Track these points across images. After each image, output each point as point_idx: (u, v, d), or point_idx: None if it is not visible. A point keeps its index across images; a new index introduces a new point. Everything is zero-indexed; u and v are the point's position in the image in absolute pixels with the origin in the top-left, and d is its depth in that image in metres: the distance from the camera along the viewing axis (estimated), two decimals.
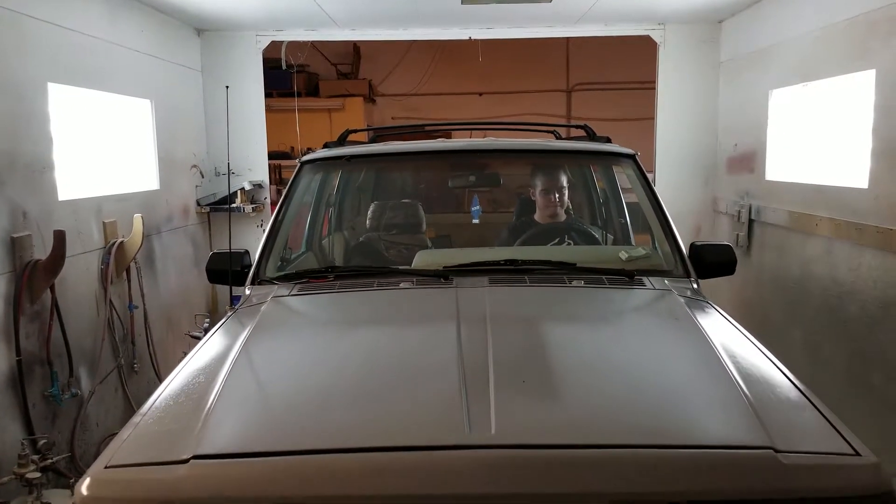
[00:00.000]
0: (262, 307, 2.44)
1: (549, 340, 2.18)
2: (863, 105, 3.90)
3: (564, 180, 3.42)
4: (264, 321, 2.32)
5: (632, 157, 3.24)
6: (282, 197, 3.17)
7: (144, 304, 4.69)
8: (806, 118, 4.70)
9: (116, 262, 4.33)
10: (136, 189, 4.83)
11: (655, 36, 5.97)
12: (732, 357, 1.90)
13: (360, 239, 3.53)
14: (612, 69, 13.46)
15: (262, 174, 6.17)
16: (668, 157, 6.08)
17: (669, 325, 2.29)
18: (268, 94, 6.33)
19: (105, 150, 4.65)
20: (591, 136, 3.53)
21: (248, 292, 2.77)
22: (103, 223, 4.29)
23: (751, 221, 5.27)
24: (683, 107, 6.01)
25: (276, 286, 2.71)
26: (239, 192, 5.93)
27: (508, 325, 2.19)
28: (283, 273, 2.88)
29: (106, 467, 1.50)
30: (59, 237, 3.52)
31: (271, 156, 6.59)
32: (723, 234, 5.89)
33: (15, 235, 3.43)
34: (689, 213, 6.11)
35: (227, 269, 2.82)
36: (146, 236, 4.62)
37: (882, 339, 3.69)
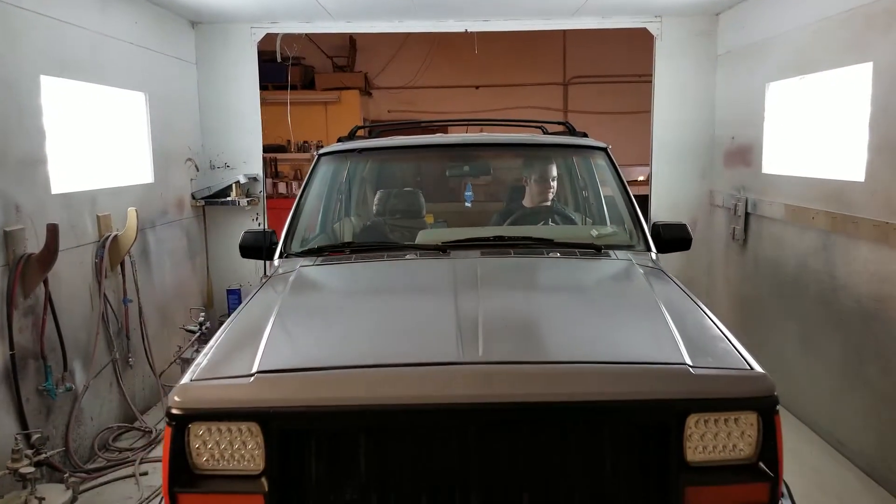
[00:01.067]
0: (292, 275, 2.90)
1: (526, 294, 2.71)
2: (860, 98, 3.89)
3: (549, 172, 3.82)
4: (296, 283, 2.81)
5: (604, 149, 3.73)
6: (302, 184, 3.60)
7: (139, 298, 4.67)
8: (803, 111, 4.69)
9: (111, 255, 4.31)
10: (130, 182, 4.80)
11: (652, 28, 5.95)
12: (670, 307, 2.40)
13: (368, 223, 3.91)
14: (608, 62, 13.44)
15: (256, 167, 6.15)
16: (664, 150, 6.07)
17: (624, 284, 2.87)
18: (263, 87, 6.30)
19: (99, 143, 4.62)
20: (571, 131, 4.02)
21: (276, 264, 3.21)
22: (97, 217, 4.27)
23: (747, 215, 5.27)
24: (680, 100, 6.00)
25: (300, 259, 3.15)
26: (234, 185, 5.90)
27: (495, 283, 2.67)
28: (305, 248, 3.29)
29: (191, 380, 2.00)
30: (53, 231, 3.50)
31: (266, 149, 6.56)
32: (719, 228, 5.89)
33: (8, 229, 3.41)
34: (685, 207, 6.10)
35: (257, 246, 3.31)
36: (140, 230, 4.60)
37: (877, 333, 3.70)
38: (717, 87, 5.92)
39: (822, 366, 4.26)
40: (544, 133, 4.49)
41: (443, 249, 3.07)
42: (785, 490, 2.13)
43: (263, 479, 1.91)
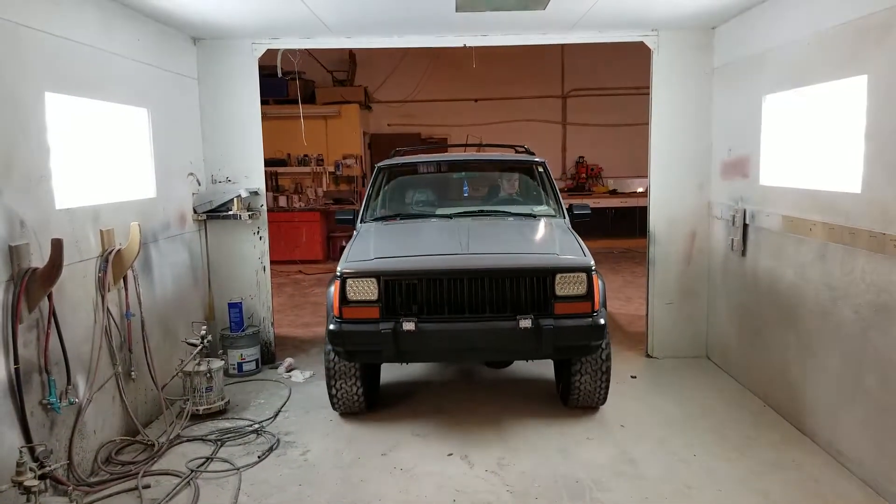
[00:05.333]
0: (372, 228, 5.53)
1: (492, 232, 5.27)
2: (855, 110, 3.93)
3: (512, 177, 6.66)
4: (377, 229, 5.46)
5: (542, 163, 6.31)
6: (369, 183, 6.24)
7: (141, 312, 4.69)
8: (799, 123, 4.74)
9: (114, 269, 4.34)
10: (133, 197, 4.84)
11: (649, 42, 6.01)
12: (561, 238, 4.98)
13: (406, 206, 6.24)
14: (607, 75, 13.55)
15: (258, 181, 6.19)
16: (662, 162, 6.11)
17: (541, 229, 5.37)
18: (264, 102, 6.34)
19: (102, 158, 4.66)
20: (527, 151, 6.86)
21: (360, 226, 5.73)
22: (100, 231, 4.30)
23: (745, 226, 5.30)
24: (677, 112, 6.05)
25: (373, 223, 5.74)
26: (235, 199, 5.93)
27: (477, 228, 5.24)
28: (374, 218, 5.87)
29: (346, 261, 4.61)
30: (57, 245, 3.53)
31: (267, 163, 6.61)
32: (718, 239, 5.92)
33: (12, 244, 3.45)
34: (684, 218, 6.14)
35: (347, 218, 6.02)
36: (143, 244, 4.63)
37: (876, 342, 3.72)
38: (713, 100, 5.97)
39: (821, 376, 4.28)
40: (516, 152, 7.00)
41: (450, 217, 5.70)
42: (602, 310, 4.56)
43: (378, 302, 4.48)
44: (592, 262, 4.51)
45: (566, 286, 4.46)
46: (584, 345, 4.52)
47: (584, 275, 4.46)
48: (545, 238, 5.14)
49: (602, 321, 4.47)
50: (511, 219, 5.65)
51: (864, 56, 3.82)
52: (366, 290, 4.47)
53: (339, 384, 4.85)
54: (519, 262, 4.53)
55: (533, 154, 6.66)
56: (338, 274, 4.50)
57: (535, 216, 5.69)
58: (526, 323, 4.35)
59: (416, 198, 6.36)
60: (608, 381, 4.86)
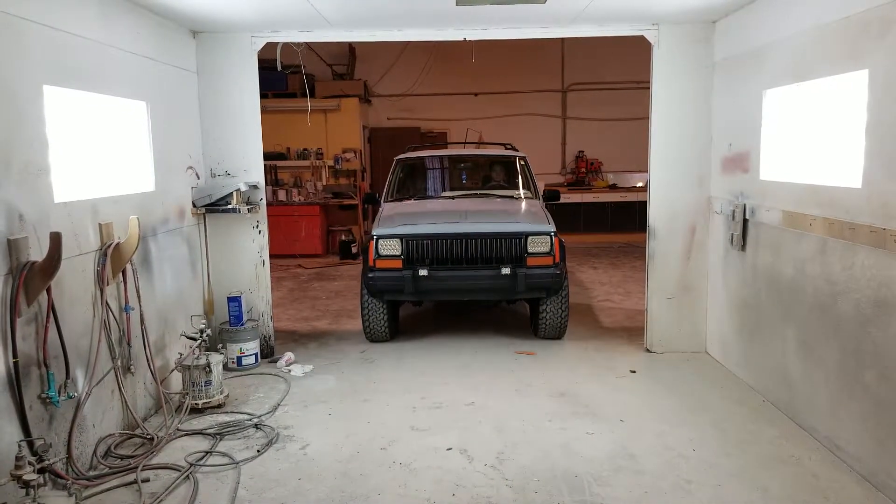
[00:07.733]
0: (395, 203, 7.57)
1: (484, 207, 7.15)
2: (856, 105, 3.92)
3: (501, 167, 8.34)
4: (399, 205, 7.45)
5: (524, 157, 8.21)
6: (389, 173, 8.06)
7: (140, 306, 4.69)
8: (800, 118, 4.73)
9: (112, 263, 4.33)
10: (131, 191, 4.83)
11: (650, 36, 5.99)
12: (535, 211, 6.99)
13: (418, 188, 8.18)
14: (607, 69, 13.53)
15: (257, 175, 6.18)
16: (662, 156, 6.10)
17: (521, 206, 7.30)
18: (263, 95, 6.33)
19: (101, 152, 4.65)
20: (512, 148, 8.75)
21: (383, 204, 7.63)
22: (99, 225, 4.29)
23: (745, 221, 5.29)
24: (678, 107, 6.04)
25: (397, 202, 7.62)
26: (234, 193, 5.92)
27: (473, 205, 7.23)
28: (395, 198, 7.78)
29: (377, 228, 6.57)
30: (55, 239, 3.52)
31: (267, 157, 6.60)
32: (718, 234, 5.91)
33: (11, 238, 3.44)
34: (684, 213, 6.13)
35: (373, 199, 7.94)
36: (142, 238, 4.62)
37: (875, 338, 3.72)
38: (714, 94, 5.96)
39: (821, 371, 4.28)
40: (505, 149, 8.79)
41: (452, 198, 7.60)
42: (562, 263, 6.40)
43: (401, 256, 6.34)
44: (554, 229, 6.41)
45: (535, 245, 6.31)
46: (548, 287, 6.33)
47: (548, 237, 6.33)
48: (522, 212, 7.02)
49: (559, 271, 6.31)
50: (498, 199, 7.63)
51: (865, 51, 3.81)
52: (392, 247, 6.34)
53: (371, 319, 6.64)
54: (503, 228, 6.38)
55: (517, 150, 8.65)
56: (372, 236, 6.41)
57: (516, 197, 7.72)
58: (506, 270, 6.23)
59: (426, 183, 8.38)
60: (567, 317, 6.65)
